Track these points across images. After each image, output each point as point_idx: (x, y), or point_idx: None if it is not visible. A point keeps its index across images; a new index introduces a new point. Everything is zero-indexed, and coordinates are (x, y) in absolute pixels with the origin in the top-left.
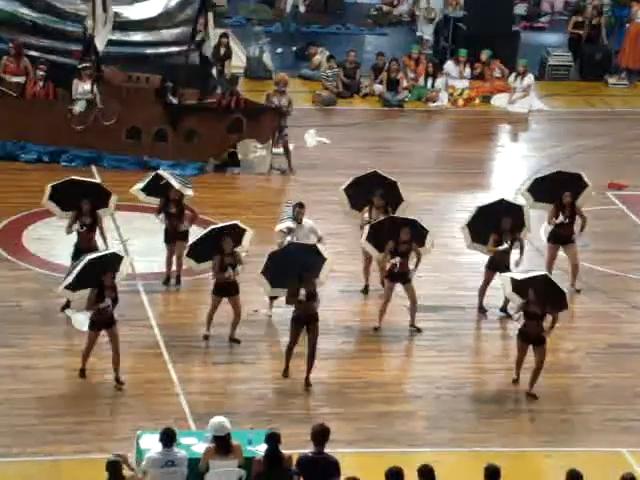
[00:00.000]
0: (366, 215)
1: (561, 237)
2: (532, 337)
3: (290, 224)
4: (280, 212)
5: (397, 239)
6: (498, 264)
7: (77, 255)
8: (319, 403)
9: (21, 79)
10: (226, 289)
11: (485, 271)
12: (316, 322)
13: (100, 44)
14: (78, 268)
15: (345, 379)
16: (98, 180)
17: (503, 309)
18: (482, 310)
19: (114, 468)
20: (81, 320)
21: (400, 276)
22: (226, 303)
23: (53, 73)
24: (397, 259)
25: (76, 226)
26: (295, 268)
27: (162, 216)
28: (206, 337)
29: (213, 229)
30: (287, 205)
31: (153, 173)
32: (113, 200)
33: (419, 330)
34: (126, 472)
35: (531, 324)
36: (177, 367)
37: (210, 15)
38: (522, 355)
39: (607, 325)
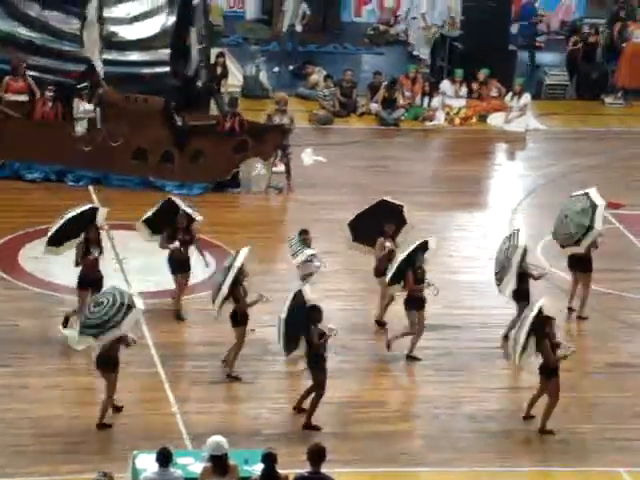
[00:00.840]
0: (388, 244)
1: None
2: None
3: (309, 251)
4: (287, 245)
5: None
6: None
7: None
8: (316, 422)
9: (24, 97)
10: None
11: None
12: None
13: (98, 65)
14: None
15: (342, 398)
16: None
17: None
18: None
19: None
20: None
21: (415, 303)
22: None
23: (59, 93)
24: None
25: (175, 244)
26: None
27: (177, 243)
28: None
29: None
30: (291, 239)
31: (162, 201)
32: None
33: (419, 359)
34: None
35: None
36: (173, 386)
37: (193, 32)
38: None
39: (605, 344)
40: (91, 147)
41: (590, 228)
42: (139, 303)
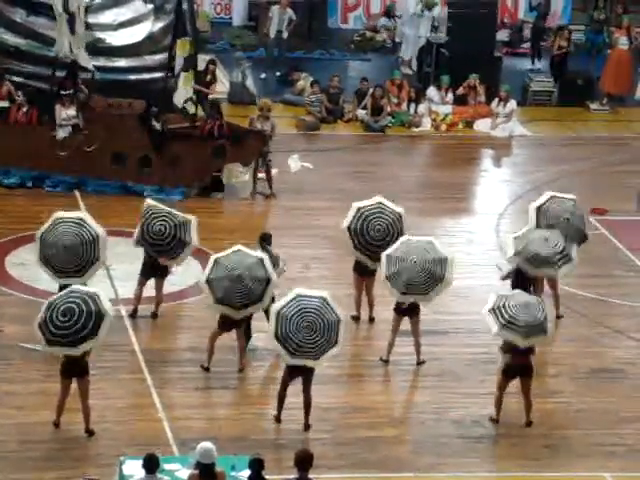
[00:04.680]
0: None
1: None
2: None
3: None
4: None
5: None
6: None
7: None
8: (302, 428)
9: (4, 103)
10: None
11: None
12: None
13: (86, 64)
14: None
15: (328, 404)
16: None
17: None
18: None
19: None
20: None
21: (408, 310)
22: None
23: (37, 99)
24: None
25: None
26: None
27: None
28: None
29: None
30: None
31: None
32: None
33: (423, 362)
34: None
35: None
36: (160, 392)
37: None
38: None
39: (590, 350)
40: (67, 152)
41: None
42: (108, 308)
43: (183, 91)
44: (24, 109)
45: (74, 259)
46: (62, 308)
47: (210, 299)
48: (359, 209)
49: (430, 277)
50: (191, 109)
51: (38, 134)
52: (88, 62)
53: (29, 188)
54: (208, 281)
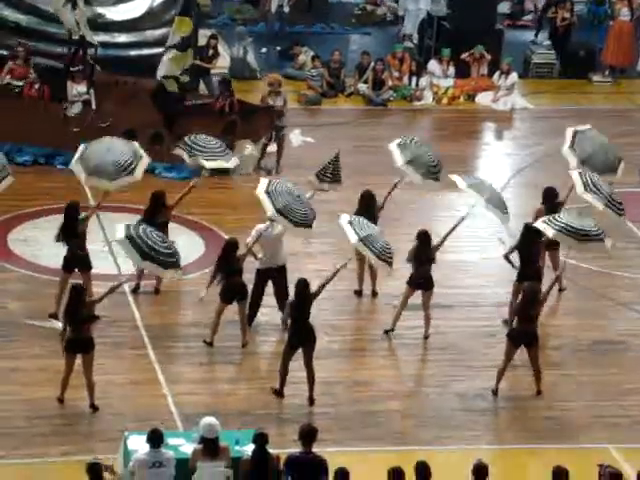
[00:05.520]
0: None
1: None
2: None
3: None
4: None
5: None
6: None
7: None
8: (306, 403)
9: (20, 82)
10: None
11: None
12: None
13: (91, 39)
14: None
15: (331, 378)
16: None
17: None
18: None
19: (95, 471)
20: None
21: (422, 283)
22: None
23: (47, 75)
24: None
25: None
26: None
27: None
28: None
29: None
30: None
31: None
32: None
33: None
34: (107, 476)
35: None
36: (164, 368)
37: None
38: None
39: (593, 322)
40: (79, 128)
41: None
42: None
43: (167, 68)
44: (36, 86)
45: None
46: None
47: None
48: None
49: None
50: (171, 86)
51: (50, 111)
52: (92, 37)
53: (41, 165)
54: (268, 192)
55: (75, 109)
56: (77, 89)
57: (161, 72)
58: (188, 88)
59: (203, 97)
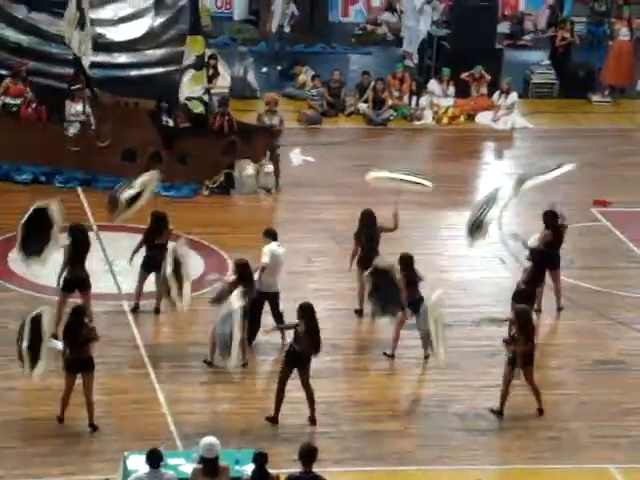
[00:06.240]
0: None
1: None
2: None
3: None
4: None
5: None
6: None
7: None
8: (306, 422)
9: (17, 101)
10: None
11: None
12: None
13: (85, 62)
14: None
15: (332, 397)
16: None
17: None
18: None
19: None
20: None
21: (415, 304)
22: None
23: (44, 95)
24: None
25: None
26: None
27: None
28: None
29: None
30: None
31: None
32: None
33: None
34: None
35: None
36: (164, 387)
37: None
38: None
39: (593, 341)
40: (79, 148)
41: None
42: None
43: (188, 89)
44: (33, 105)
45: None
46: None
47: None
48: None
49: None
50: (196, 108)
51: (48, 130)
52: (88, 62)
53: (41, 183)
54: None
55: (72, 129)
56: (75, 108)
57: (184, 94)
58: (211, 109)
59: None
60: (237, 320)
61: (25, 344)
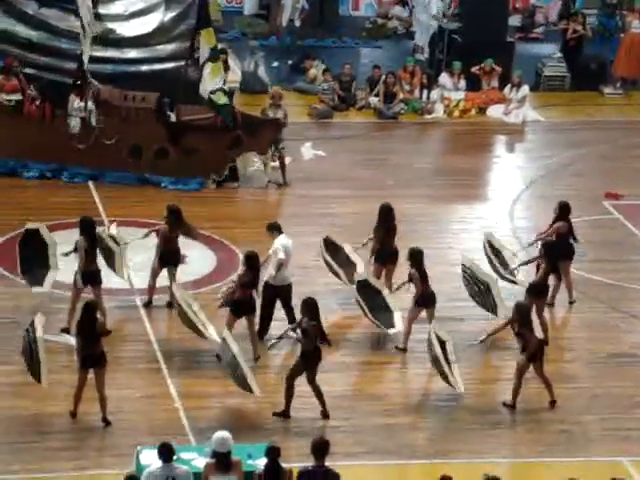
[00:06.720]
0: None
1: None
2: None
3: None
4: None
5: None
6: None
7: None
8: (319, 416)
9: (17, 96)
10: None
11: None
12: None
13: (85, 56)
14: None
15: (344, 392)
16: None
17: None
18: None
19: None
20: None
21: (429, 300)
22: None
23: (49, 91)
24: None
25: None
26: None
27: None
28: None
29: None
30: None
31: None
32: None
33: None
34: None
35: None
36: (176, 382)
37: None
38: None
39: (606, 335)
40: (85, 145)
41: None
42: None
43: (210, 82)
44: (37, 102)
45: None
46: None
47: None
48: None
49: None
50: (220, 99)
51: (53, 127)
52: (87, 53)
53: (48, 179)
54: None
55: (73, 123)
56: (79, 103)
57: (207, 88)
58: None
59: (201, 111)
60: (241, 359)
61: (27, 358)
